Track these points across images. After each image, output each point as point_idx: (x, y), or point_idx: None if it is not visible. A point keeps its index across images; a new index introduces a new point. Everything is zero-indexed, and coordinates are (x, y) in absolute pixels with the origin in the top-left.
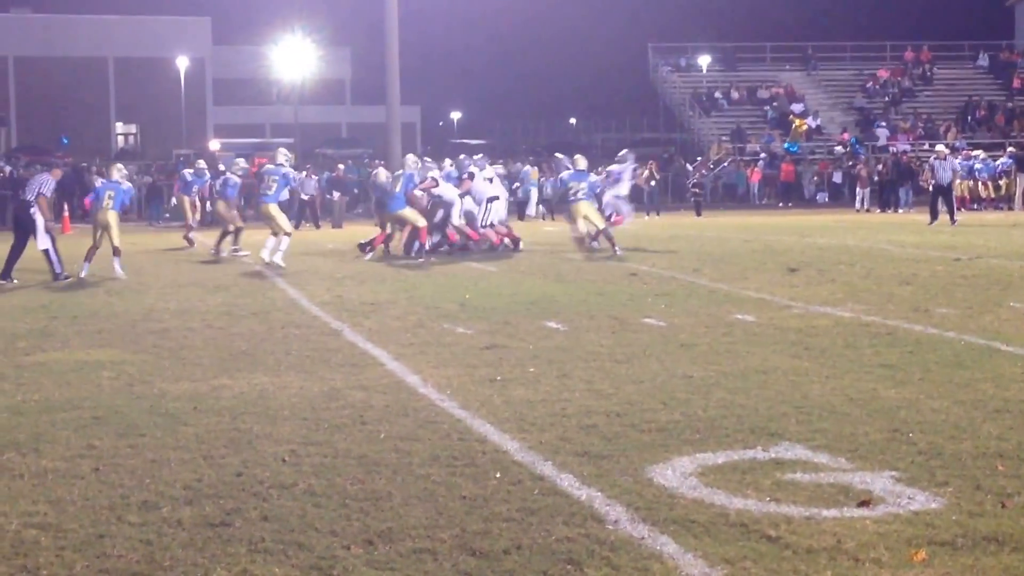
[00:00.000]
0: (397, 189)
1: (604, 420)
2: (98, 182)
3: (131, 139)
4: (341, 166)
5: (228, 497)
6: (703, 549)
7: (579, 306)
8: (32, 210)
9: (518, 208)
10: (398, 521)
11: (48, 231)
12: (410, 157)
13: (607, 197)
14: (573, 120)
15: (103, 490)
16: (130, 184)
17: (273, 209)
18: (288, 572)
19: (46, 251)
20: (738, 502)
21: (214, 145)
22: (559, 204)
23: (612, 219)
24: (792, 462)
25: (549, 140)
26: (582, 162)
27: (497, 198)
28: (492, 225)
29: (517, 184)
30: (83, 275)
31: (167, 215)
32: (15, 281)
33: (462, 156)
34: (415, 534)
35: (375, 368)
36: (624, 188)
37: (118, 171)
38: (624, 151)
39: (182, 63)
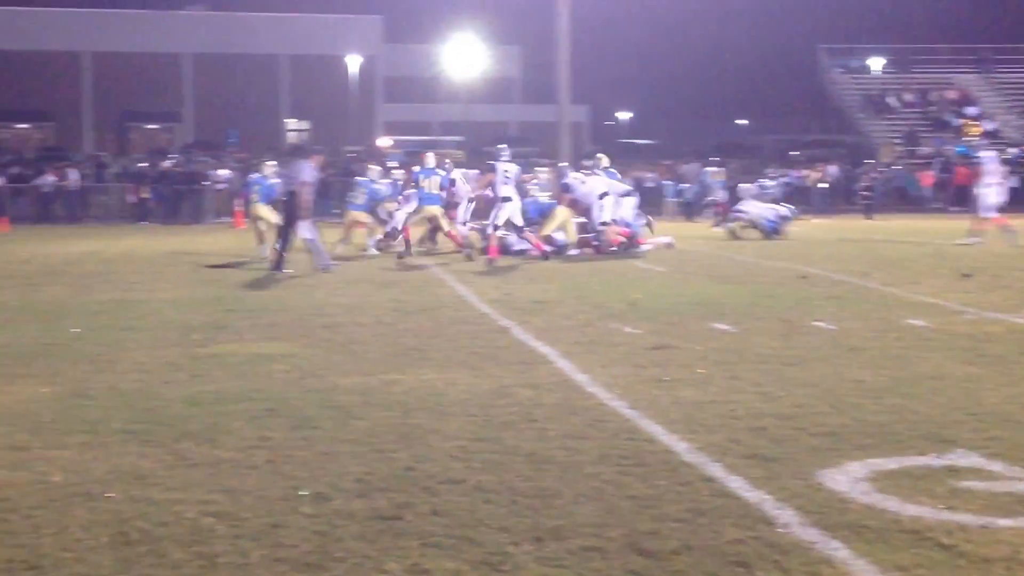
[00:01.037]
0: (432, 188)
1: (774, 423)
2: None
3: (302, 136)
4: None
5: (399, 491)
6: (875, 555)
7: (747, 308)
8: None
9: (685, 209)
10: (567, 519)
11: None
12: (430, 158)
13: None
14: (742, 121)
15: (277, 481)
16: (278, 179)
17: (360, 216)
18: (459, 567)
19: (310, 240)
20: (911, 509)
21: (384, 142)
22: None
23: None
24: (967, 470)
25: (717, 141)
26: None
27: (607, 194)
28: (607, 225)
29: (686, 185)
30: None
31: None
32: (287, 271)
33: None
34: (584, 532)
35: (543, 366)
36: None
37: (269, 167)
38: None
39: (353, 61)
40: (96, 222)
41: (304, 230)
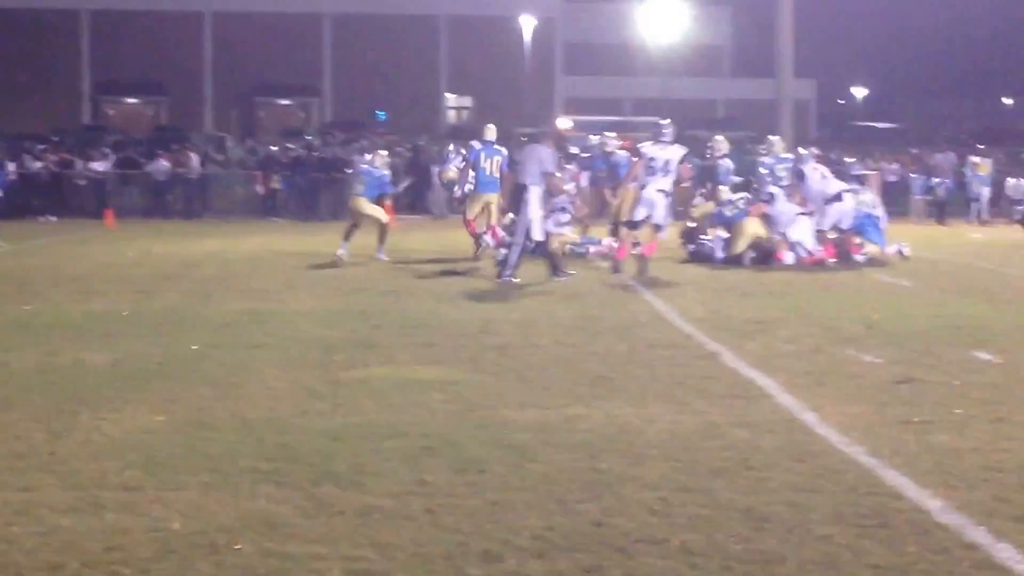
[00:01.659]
0: (493, 170)
1: None
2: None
3: (464, 114)
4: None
5: (585, 551)
6: None
7: (1017, 333)
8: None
9: (936, 209)
10: None
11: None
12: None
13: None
14: (1008, 100)
15: (437, 535)
16: (387, 172)
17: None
18: None
19: (525, 245)
20: None
21: (563, 123)
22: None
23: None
24: None
25: (977, 125)
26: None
27: (839, 197)
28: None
29: (937, 180)
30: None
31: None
32: (516, 281)
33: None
34: None
35: (762, 401)
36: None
37: (380, 157)
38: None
39: (527, 23)
40: (218, 216)
41: (536, 231)
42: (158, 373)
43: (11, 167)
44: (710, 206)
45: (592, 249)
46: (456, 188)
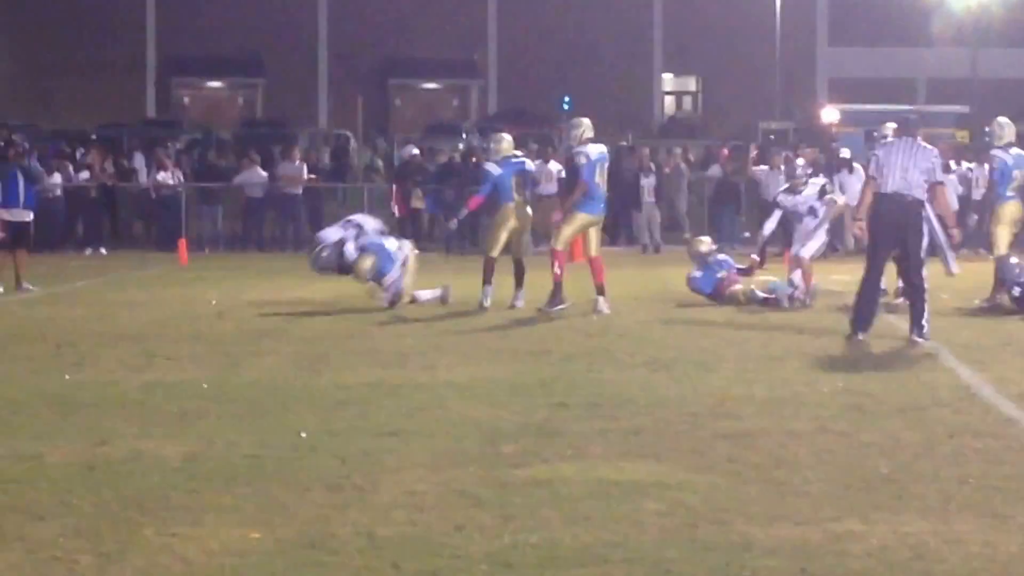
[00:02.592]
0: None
1: None
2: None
3: (687, 102)
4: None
5: None
6: None
7: None
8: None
9: None
10: None
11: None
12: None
13: None
14: None
15: None
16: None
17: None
18: None
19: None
20: None
21: (829, 115)
22: None
23: None
24: None
25: None
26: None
27: None
28: None
29: None
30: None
31: (744, 233)
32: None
33: None
34: None
35: None
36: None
37: (507, 144)
38: None
39: None
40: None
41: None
42: (251, 471)
43: (55, 179)
44: None
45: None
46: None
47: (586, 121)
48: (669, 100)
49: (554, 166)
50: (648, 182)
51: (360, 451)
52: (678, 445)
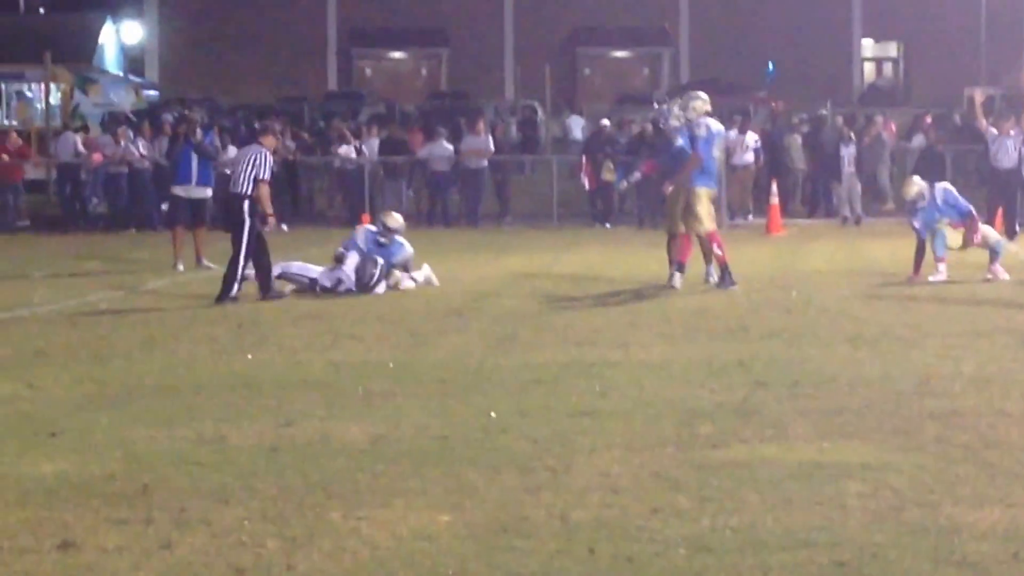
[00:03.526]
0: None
1: None
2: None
3: (887, 68)
4: None
5: None
6: None
7: None
8: None
9: None
10: None
11: None
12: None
13: None
14: None
15: None
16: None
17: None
18: None
19: None
20: None
21: None
22: None
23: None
24: None
25: None
26: None
27: None
28: None
29: None
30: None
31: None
32: None
33: None
34: None
35: None
36: None
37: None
38: None
39: None
40: (522, 223)
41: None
42: (439, 453)
43: (230, 153)
44: None
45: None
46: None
47: (703, 95)
48: (869, 67)
49: (751, 137)
50: (848, 152)
51: (552, 432)
52: (882, 425)
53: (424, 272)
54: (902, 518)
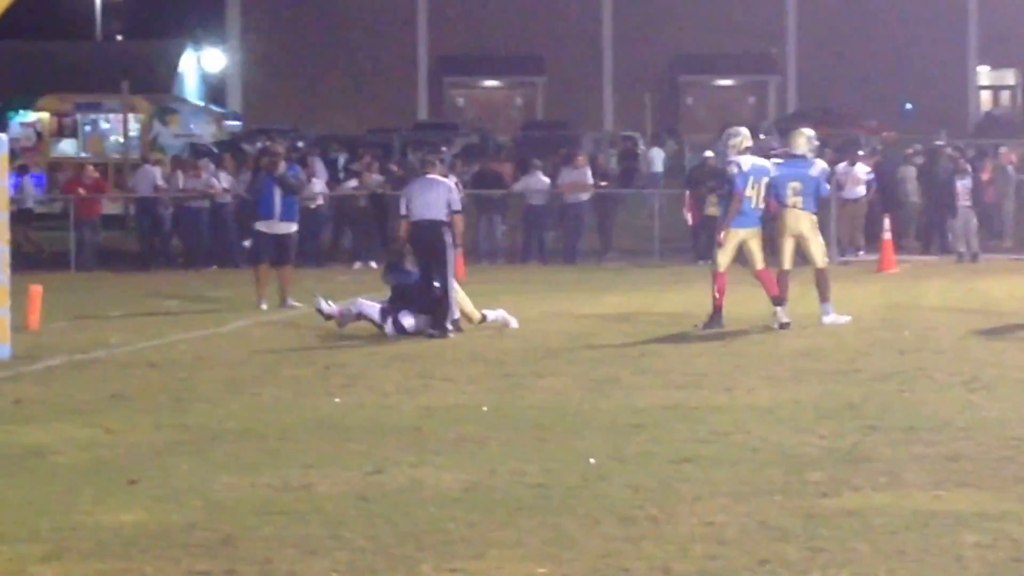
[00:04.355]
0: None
1: None
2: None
3: (1006, 96)
4: None
5: None
6: None
7: None
8: None
9: None
10: None
11: None
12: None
13: None
14: None
15: None
16: (825, 165)
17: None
18: None
19: None
20: None
21: None
22: None
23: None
24: None
25: None
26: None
27: None
28: None
29: None
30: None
31: None
32: None
33: None
34: None
35: None
36: None
37: (806, 140)
38: None
39: None
40: (621, 259)
41: None
42: (536, 501)
43: (316, 184)
44: None
45: None
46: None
47: (744, 131)
48: (985, 95)
49: (861, 169)
50: (963, 184)
51: (654, 479)
52: (1000, 472)
53: (498, 313)
54: (1022, 570)
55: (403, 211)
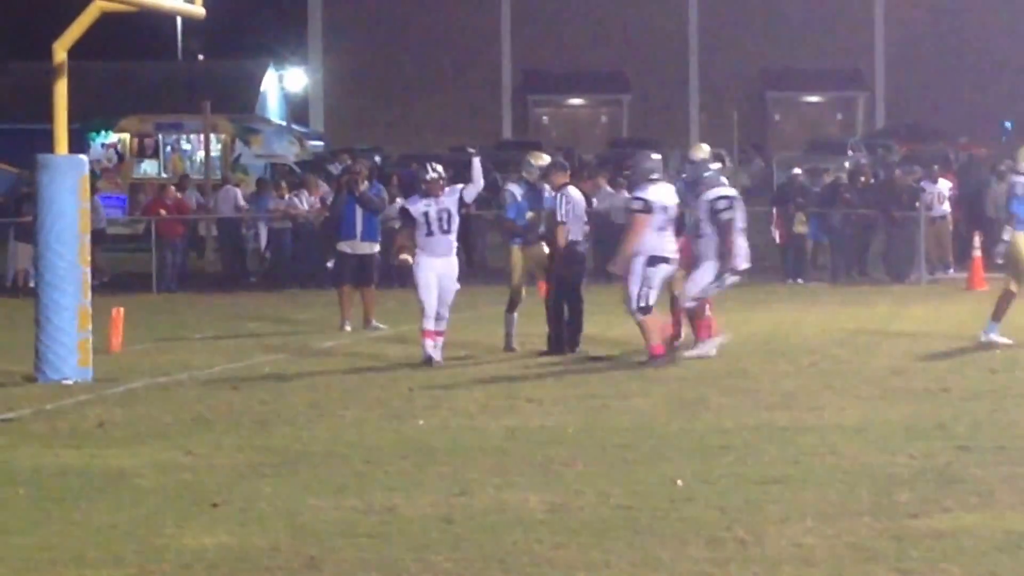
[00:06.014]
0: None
1: None
2: None
3: None
4: None
5: None
6: None
7: None
8: None
9: None
10: None
11: None
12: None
13: None
14: None
15: None
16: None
17: None
18: None
19: None
20: None
21: None
22: None
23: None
24: None
25: None
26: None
27: None
28: None
29: None
30: None
31: None
32: None
33: None
34: None
35: None
36: None
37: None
38: None
39: None
40: None
41: None
42: (622, 523)
43: (395, 206)
44: None
45: None
46: None
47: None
48: None
49: (943, 185)
50: None
51: (742, 500)
52: None
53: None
54: None
55: (560, 217)
